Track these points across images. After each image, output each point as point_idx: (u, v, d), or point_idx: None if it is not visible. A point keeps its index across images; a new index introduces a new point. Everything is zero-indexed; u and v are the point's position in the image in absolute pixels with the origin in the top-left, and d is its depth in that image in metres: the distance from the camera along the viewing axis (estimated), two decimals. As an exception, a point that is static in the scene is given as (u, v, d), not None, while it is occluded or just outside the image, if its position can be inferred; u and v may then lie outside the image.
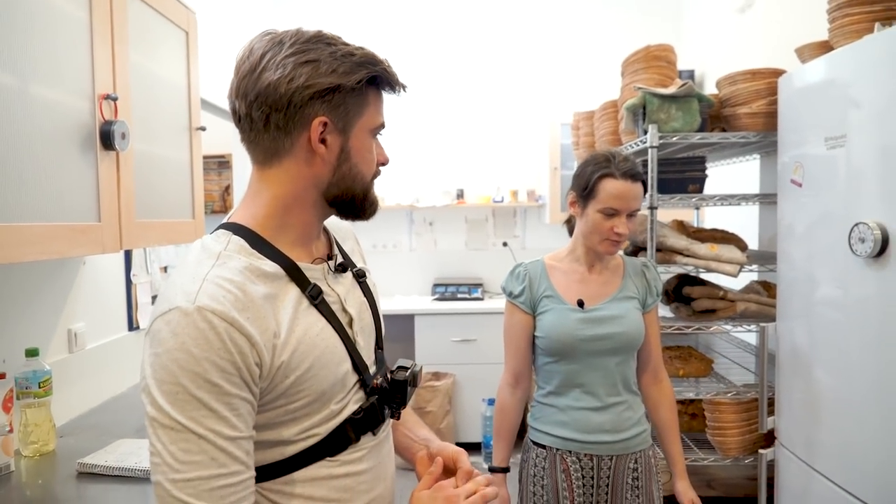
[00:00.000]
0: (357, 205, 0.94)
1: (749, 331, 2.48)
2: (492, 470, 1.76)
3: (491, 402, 3.77)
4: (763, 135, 2.25)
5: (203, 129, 2.02)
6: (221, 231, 0.90)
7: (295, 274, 0.89)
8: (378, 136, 0.96)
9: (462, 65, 4.39)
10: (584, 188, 1.65)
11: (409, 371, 1.00)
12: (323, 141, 0.87)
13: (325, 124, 0.86)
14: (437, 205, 4.31)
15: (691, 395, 2.46)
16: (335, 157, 0.89)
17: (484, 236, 4.51)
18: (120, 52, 1.49)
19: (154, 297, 2.38)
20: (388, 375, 1.00)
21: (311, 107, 0.85)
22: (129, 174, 1.53)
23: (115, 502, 1.37)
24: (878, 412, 1.57)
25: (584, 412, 1.67)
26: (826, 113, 1.76)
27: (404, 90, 0.93)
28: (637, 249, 2.54)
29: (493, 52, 4.38)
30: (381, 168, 0.97)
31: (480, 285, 4.32)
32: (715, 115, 2.43)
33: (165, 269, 2.51)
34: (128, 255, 2.27)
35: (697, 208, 3.39)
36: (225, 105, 0.90)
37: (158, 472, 0.75)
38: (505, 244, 4.48)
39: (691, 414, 2.67)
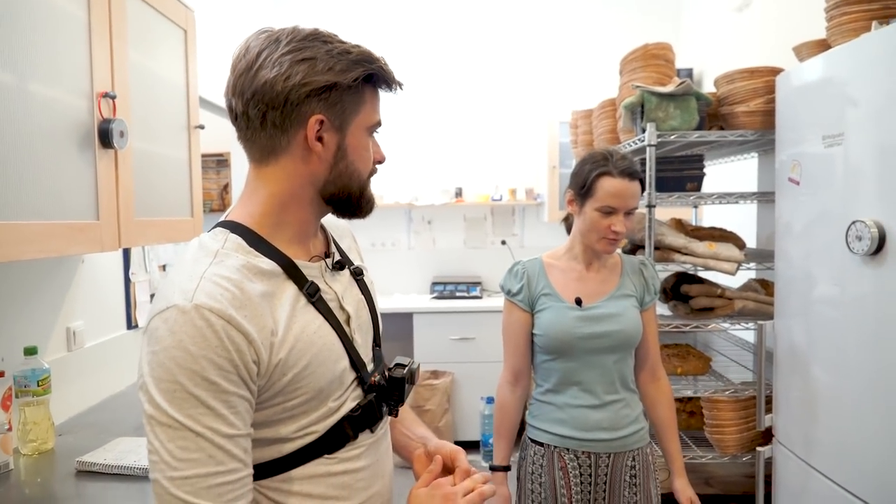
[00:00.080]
0: (354, 203, 0.95)
1: (747, 329, 2.49)
2: (493, 469, 1.76)
3: (489, 400, 3.78)
4: (761, 133, 2.26)
5: (201, 127, 2.02)
6: (219, 229, 0.90)
7: (292, 272, 0.89)
8: (375, 135, 0.96)
9: (461, 63, 4.39)
10: (581, 186, 1.65)
11: (407, 368, 1.00)
12: (319, 139, 0.87)
13: (321, 122, 0.86)
14: (436, 203, 4.31)
15: (689, 393, 2.47)
16: (332, 155, 0.89)
17: (482, 235, 4.51)
18: (118, 51, 1.50)
19: (153, 296, 2.38)
20: (386, 373, 1.00)
21: (308, 104, 0.85)
22: (127, 172, 1.53)
23: (114, 500, 1.37)
24: (875, 410, 1.57)
25: (581, 410, 1.67)
26: (824, 111, 1.77)
27: (401, 88, 0.93)
28: (635, 248, 2.54)
29: (491, 50, 4.38)
30: (377, 166, 0.97)
31: (479, 284, 4.33)
32: (713, 114, 2.43)
33: (164, 267, 2.51)
34: (126, 254, 2.27)
35: (696, 206, 3.40)
36: (223, 103, 0.91)
37: (156, 470, 0.76)
38: (503, 242, 4.48)
39: (689, 412, 2.68)
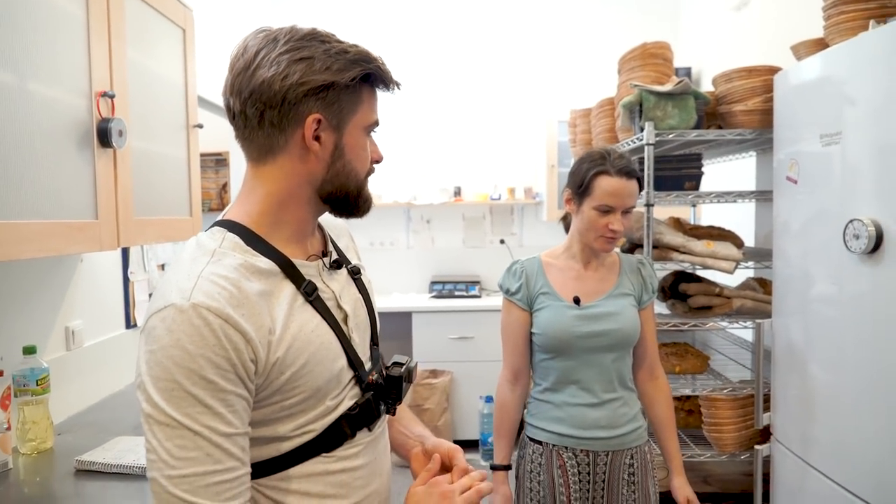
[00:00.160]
0: (351, 202, 0.95)
1: (745, 327, 2.49)
2: (493, 468, 1.76)
3: (488, 399, 3.78)
4: (759, 132, 2.26)
5: (200, 126, 2.02)
6: (216, 228, 0.90)
7: (290, 271, 0.89)
8: (372, 134, 0.96)
9: (459, 62, 4.39)
10: (579, 185, 1.66)
11: (404, 367, 1.01)
12: (317, 138, 0.87)
13: (319, 121, 0.87)
14: (435, 202, 4.31)
15: (688, 392, 2.47)
16: (329, 154, 0.90)
17: (481, 234, 4.51)
18: (117, 50, 1.50)
19: (151, 295, 2.38)
20: (384, 371, 1.01)
21: (306, 104, 0.85)
22: (126, 171, 1.53)
23: (113, 499, 1.37)
24: (872, 408, 1.57)
25: (580, 408, 1.67)
26: (821, 110, 1.77)
27: (398, 88, 0.93)
28: (634, 246, 2.54)
29: (490, 49, 4.38)
30: (375, 165, 0.97)
31: (478, 283, 4.33)
32: (711, 113, 2.43)
33: (163, 266, 2.51)
34: (125, 253, 2.27)
35: (694, 205, 3.40)
36: (222, 102, 0.91)
37: (154, 469, 0.76)
38: (502, 241, 4.48)
39: (688, 410, 2.68)
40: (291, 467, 0.89)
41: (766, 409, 2.16)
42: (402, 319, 3.93)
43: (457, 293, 4.22)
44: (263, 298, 0.84)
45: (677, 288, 2.53)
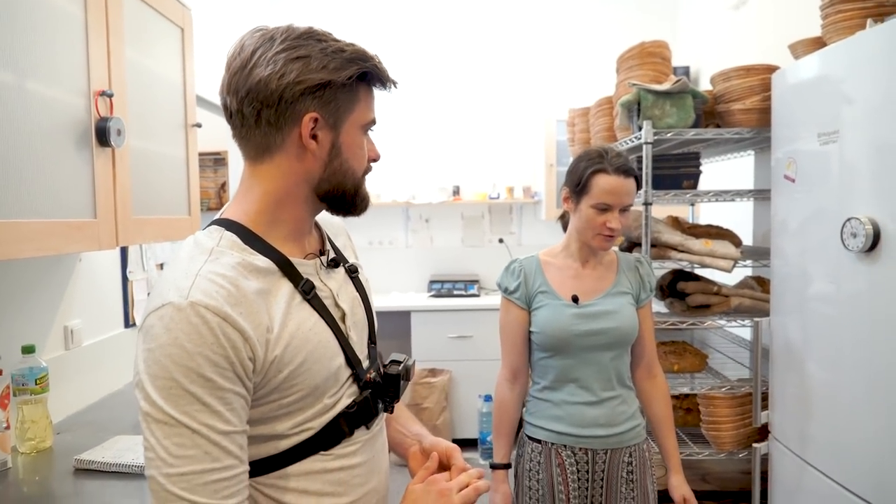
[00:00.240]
0: (348, 200, 0.95)
1: (743, 326, 2.49)
2: (493, 466, 1.77)
3: (487, 398, 3.79)
4: (757, 131, 2.26)
5: (199, 125, 2.02)
6: (214, 227, 0.90)
7: (287, 269, 0.89)
8: (370, 133, 0.96)
9: (458, 61, 4.39)
10: (577, 184, 1.66)
11: (402, 365, 1.01)
12: (314, 137, 0.88)
13: (315, 120, 0.87)
14: (434, 201, 4.31)
15: (686, 390, 2.48)
16: (326, 153, 0.90)
17: (480, 233, 4.52)
18: (115, 49, 1.50)
19: (149, 294, 2.38)
20: (382, 369, 1.01)
21: (302, 103, 0.85)
22: (125, 171, 1.54)
23: (113, 498, 1.37)
24: (870, 406, 1.58)
25: (578, 407, 1.68)
26: (819, 109, 1.77)
27: (395, 86, 0.93)
28: (632, 245, 2.55)
29: (488, 48, 4.38)
30: (372, 164, 0.98)
31: (476, 282, 4.33)
32: (709, 112, 2.43)
33: (161, 265, 2.51)
34: (124, 252, 2.27)
35: (692, 204, 3.40)
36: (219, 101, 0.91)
37: (152, 467, 0.76)
38: (501, 241, 4.48)
39: (686, 409, 2.69)
40: (290, 465, 0.89)
41: (765, 407, 2.16)
42: (401, 318, 3.93)
43: (455, 292, 4.22)
44: (261, 297, 0.84)
45: (675, 286, 2.53)
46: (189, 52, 1.97)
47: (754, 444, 2.20)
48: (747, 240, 2.87)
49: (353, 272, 1.04)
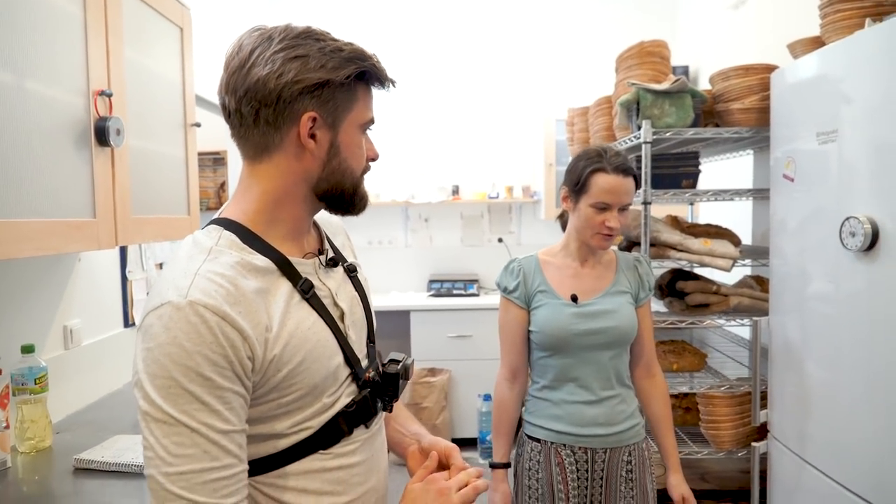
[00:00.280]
0: (347, 199, 0.95)
1: (742, 325, 2.49)
2: (492, 466, 1.77)
3: (487, 397, 3.79)
4: (756, 130, 2.26)
5: (198, 125, 2.02)
6: (213, 226, 0.90)
7: (286, 268, 0.89)
8: (369, 132, 0.96)
9: (457, 61, 4.39)
10: (576, 183, 1.66)
11: (401, 364, 1.01)
12: (312, 136, 0.88)
13: (314, 119, 0.87)
14: (433, 201, 4.31)
15: (685, 389, 2.48)
16: (324, 152, 0.90)
17: (479, 232, 4.52)
18: (114, 48, 1.50)
19: (149, 293, 2.38)
20: (380, 369, 1.01)
21: (301, 102, 0.85)
22: (124, 170, 1.54)
23: (112, 497, 1.38)
24: (868, 405, 1.58)
25: (577, 406, 1.68)
26: (818, 108, 1.77)
27: (393, 85, 0.93)
28: (631, 244, 2.55)
29: (488, 48, 4.38)
30: (371, 163, 0.98)
31: (476, 281, 4.33)
32: (708, 111, 2.43)
33: (161, 265, 2.51)
34: (123, 252, 2.28)
35: (691, 203, 3.40)
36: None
37: (151, 466, 0.76)
38: (500, 240, 4.48)
39: (685, 408, 2.69)
40: (289, 464, 0.89)
41: (764, 406, 2.16)
42: (401, 318, 3.93)
43: (455, 292, 4.23)
44: (260, 296, 0.84)
45: (674, 286, 2.53)
46: (188, 51, 1.97)
47: (753, 444, 2.20)
48: (746, 239, 2.87)
49: (351, 271, 1.04)
